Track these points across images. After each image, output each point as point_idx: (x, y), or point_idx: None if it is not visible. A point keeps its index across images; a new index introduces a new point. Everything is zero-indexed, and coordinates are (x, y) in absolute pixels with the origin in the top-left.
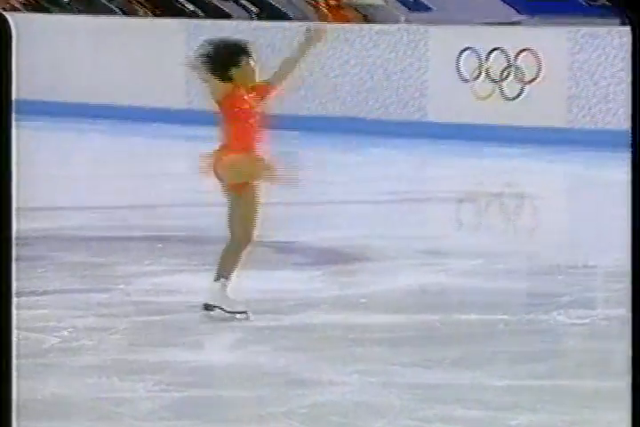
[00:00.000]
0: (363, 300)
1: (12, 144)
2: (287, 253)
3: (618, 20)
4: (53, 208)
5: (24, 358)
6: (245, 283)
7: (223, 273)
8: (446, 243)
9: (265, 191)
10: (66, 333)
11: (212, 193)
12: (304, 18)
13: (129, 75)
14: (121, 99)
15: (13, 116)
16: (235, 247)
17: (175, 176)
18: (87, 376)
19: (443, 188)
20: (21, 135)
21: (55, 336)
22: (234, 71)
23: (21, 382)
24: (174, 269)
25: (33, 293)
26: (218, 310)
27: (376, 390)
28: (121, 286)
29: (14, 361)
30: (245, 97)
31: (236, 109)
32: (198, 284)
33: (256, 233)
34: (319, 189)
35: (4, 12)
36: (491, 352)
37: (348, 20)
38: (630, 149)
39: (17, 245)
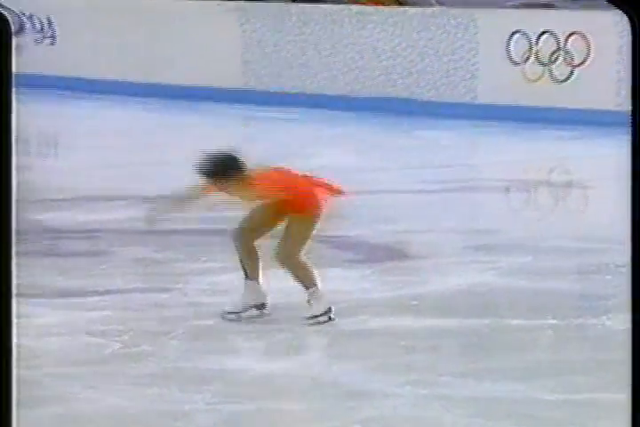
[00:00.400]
0: (414, 302)
1: (11, 143)
2: (341, 249)
3: None
4: (111, 197)
5: (86, 366)
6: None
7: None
8: (495, 237)
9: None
10: (127, 337)
11: None
12: (341, 1)
13: (186, 55)
14: (177, 78)
15: (14, 116)
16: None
17: None
18: (146, 386)
19: (492, 173)
20: (70, 117)
21: (116, 341)
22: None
23: (84, 391)
24: (231, 266)
25: (96, 292)
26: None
27: (427, 403)
28: (179, 286)
29: (79, 369)
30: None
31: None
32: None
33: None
34: (372, 177)
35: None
36: (540, 362)
37: (382, 4)
38: (631, 150)
39: (79, 238)
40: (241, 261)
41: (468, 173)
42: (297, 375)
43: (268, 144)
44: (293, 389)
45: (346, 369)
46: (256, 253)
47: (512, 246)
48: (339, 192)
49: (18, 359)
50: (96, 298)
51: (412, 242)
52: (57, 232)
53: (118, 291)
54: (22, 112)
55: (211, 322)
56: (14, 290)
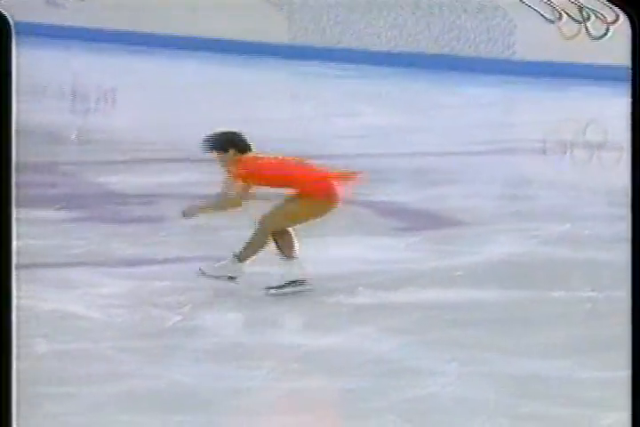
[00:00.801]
0: (458, 273)
1: (12, 143)
2: (385, 215)
3: None
4: (169, 159)
5: (148, 339)
6: (347, 250)
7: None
8: (534, 203)
9: None
10: (186, 309)
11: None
12: None
13: (233, 10)
14: (226, 33)
15: (14, 115)
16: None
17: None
18: (205, 361)
19: (529, 132)
20: (128, 72)
21: (177, 313)
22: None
23: (146, 367)
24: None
25: (152, 261)
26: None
27: (473, 381)
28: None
29: (138, 343)
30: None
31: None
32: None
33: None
34: (412, 138)
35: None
36: (579, 337)
37: None
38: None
39: (139, 204)
40: (275, 242)
41: (506, 133)
42: (347, 351)
43: (312, 101)
44: (343, 365)
45: (393, 344)
46: (288, 233)
47: (550, 213)
48: (352, 178)
49: (85, 331)
50: (157, 267)
51: (453, 208)
52: (116, 196)
53: (177, 259)
54: (80, 67)
55: (263, 294)
56: (76, 258)
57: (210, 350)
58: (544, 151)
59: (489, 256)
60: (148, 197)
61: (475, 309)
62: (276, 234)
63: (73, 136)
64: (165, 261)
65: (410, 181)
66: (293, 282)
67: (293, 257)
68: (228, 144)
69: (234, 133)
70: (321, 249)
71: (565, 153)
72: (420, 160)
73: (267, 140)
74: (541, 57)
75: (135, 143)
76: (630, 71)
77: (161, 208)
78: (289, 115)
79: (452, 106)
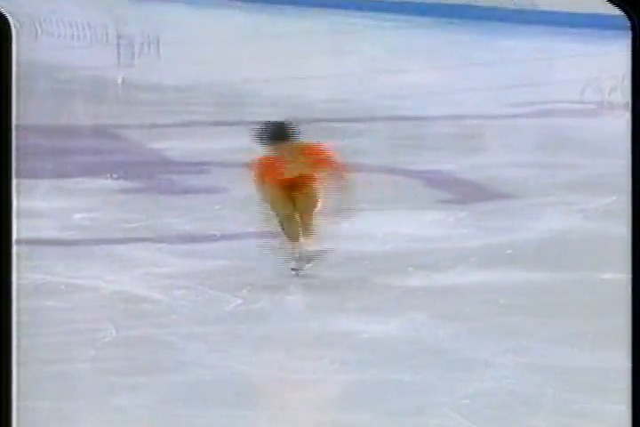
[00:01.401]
0: (509, 251)
1: (12, 143)
2: (432, 185)
3: None
4: (218, 122)
5: (210, 325)
6: (395, 226)
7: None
8: (579, 172)
9: None
10: (245, 291)
11: None
12: None
13: None
14: None
15: (14, 115)
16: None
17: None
18: (268, 349)
19: (569, 93)
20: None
21: (236, 296)
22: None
23: (207, 356)
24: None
25: (208, 238)
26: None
27: (529, 374)
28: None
29: (200, 329)
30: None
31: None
32: (358, 227)
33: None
34: (454, 98)
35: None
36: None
37: None
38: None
39: (191, 173)
40: (282, 228)
41: (548, 93)
42: (402, 340)
43: (355, 56)
44: (399, 355)
45: (447, 333)
46: (296, 221)
47: (596, 184)
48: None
49: (147, 317)
50: (215, 245)
51: (499, 178)
52: (168, 164)
53: (233, 236)
54: (124, 14)
55: (328, 274)
56: (134, 233)
57: (270, 337)
58: (590, 114)
59: (537, 233)
60: (198, 166)
61: (526, 292)
62: (286, 223)
63: (118, 93)
64: (222, 237)
65: (451, 147)
66: (306, 261)
67: (297, 241)
68: (286, 134)
69: (286, 123)
70: (369, 224)
71: (606, 115)
72: (460, 124)
73: (312, 102)
74: (581, 9)
75: (182, 104)
76: (630, 71)
77: (213, 177)
78: (332, 71)
79: (492, 62)
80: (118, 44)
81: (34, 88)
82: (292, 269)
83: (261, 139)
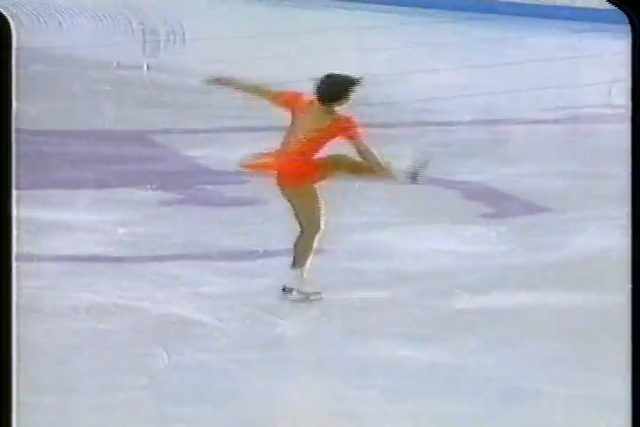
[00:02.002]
0: (552, 271)
1: (12, 144)
2: (471, 198)
3: None
4: (251, 127)
5: (259, 350)
6: (437, 242)
7: (299, 262)
8: (616, 183)
9: None
10: (288, 312)
11: None
12: None
13: None
14: None
15: (14, 114)
16: (306, 238)
17: None
18: (307, 374)
19: (599, 96)
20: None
21: (281, 318)
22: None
23: (254, 382)
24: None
25: (252, 255)
26: (295, 293)
27: (583, 406)
28: (330, 247)
29: (249, 354)
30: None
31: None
32: (400, 244)
33: (323, 221)
34: (486, 101)
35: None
36: None
37: None
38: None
39: (228, 183)
40: (298, 252)
41: (577, 96)
42: (453, 368)
43: (382, 54)
44: (452, 385)
45: (497, 360)
46: (309, 244)
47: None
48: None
49: (200, 339)
50: (258, 262)
51: (537, 190)
52: (206, 173)
53: (277, 253)
54: (146, 4)
55: (370, 295)
56: (177, 250)
57: (309, 363)
58: (615, 118)
59: (580, 251)
60: (236, 175)
61: (571, 316)
62: (301, 243)
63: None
64: (266, 254)
65: (484, 155)
66: (305, 293)
67: (304, 266)
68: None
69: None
70: (410, 240)
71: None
72: (492, 129)
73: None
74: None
75: (215, 107)
76: (631, 71)
77: (253, 188)
78: (358, 68)
79: (522, 61)
80: (144, 41)
81: (67, 87)
82: (283, 290)
83: (327, 93)
